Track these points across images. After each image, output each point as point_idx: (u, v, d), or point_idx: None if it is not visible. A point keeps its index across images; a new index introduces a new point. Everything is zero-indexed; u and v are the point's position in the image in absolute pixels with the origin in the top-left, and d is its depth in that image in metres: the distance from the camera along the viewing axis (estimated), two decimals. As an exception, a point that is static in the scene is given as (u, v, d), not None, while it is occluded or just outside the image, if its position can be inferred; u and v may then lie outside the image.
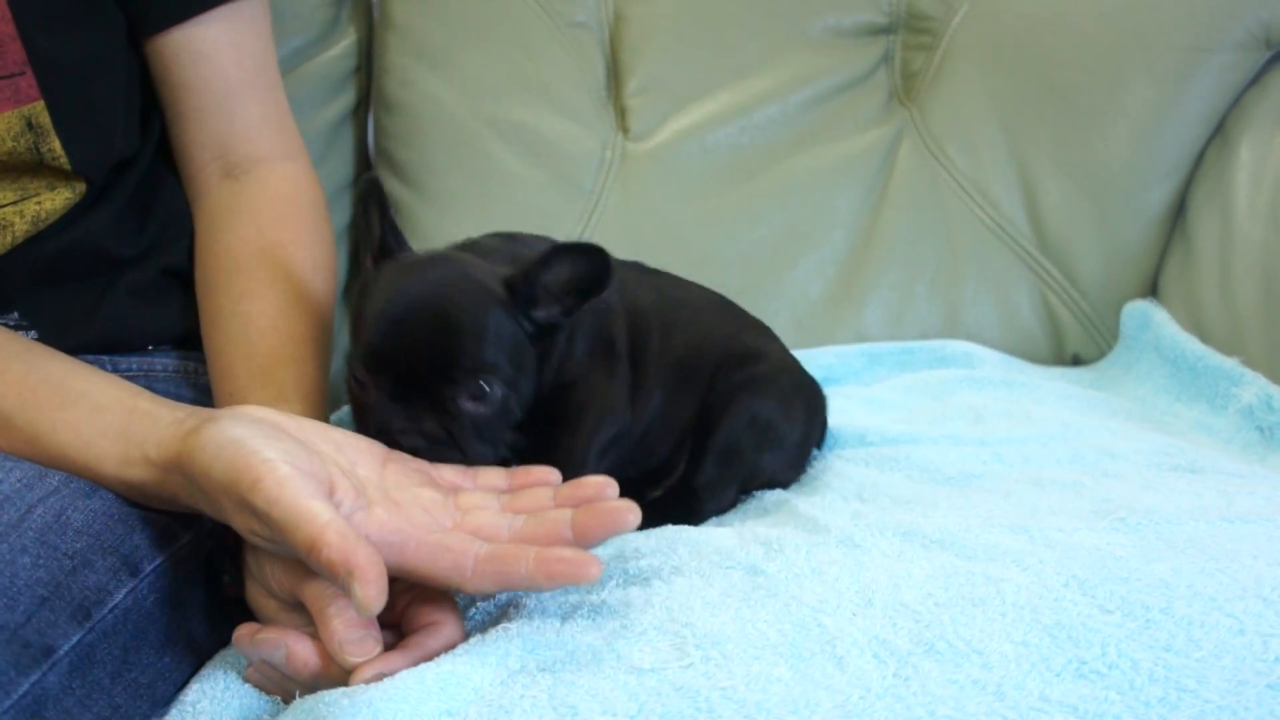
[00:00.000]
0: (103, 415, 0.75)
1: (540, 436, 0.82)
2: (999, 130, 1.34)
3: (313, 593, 0.65)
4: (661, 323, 0.92)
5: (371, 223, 0.81)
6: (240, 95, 0.97)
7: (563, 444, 0.83)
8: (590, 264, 0.76)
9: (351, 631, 0.62)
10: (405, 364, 0.74)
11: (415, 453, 0.74)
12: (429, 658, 0.62)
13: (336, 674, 0.62)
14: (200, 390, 0.97)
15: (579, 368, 0.84)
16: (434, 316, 0.74)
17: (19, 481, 0.72)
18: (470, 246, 0.86)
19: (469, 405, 0.75)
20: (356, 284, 0.78)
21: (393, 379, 0.74)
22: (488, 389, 0.75)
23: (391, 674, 0.59)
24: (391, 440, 0.74)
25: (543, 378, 0.81)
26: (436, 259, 0.79)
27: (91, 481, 0.74)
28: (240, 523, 0.64)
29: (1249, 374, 1.07)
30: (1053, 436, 0.97)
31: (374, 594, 0.57)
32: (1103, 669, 0.52)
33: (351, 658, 0.61)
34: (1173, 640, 0.54)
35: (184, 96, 0.96)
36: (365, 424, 0.76)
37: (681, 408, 0.91)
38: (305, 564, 0.64)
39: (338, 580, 0.58)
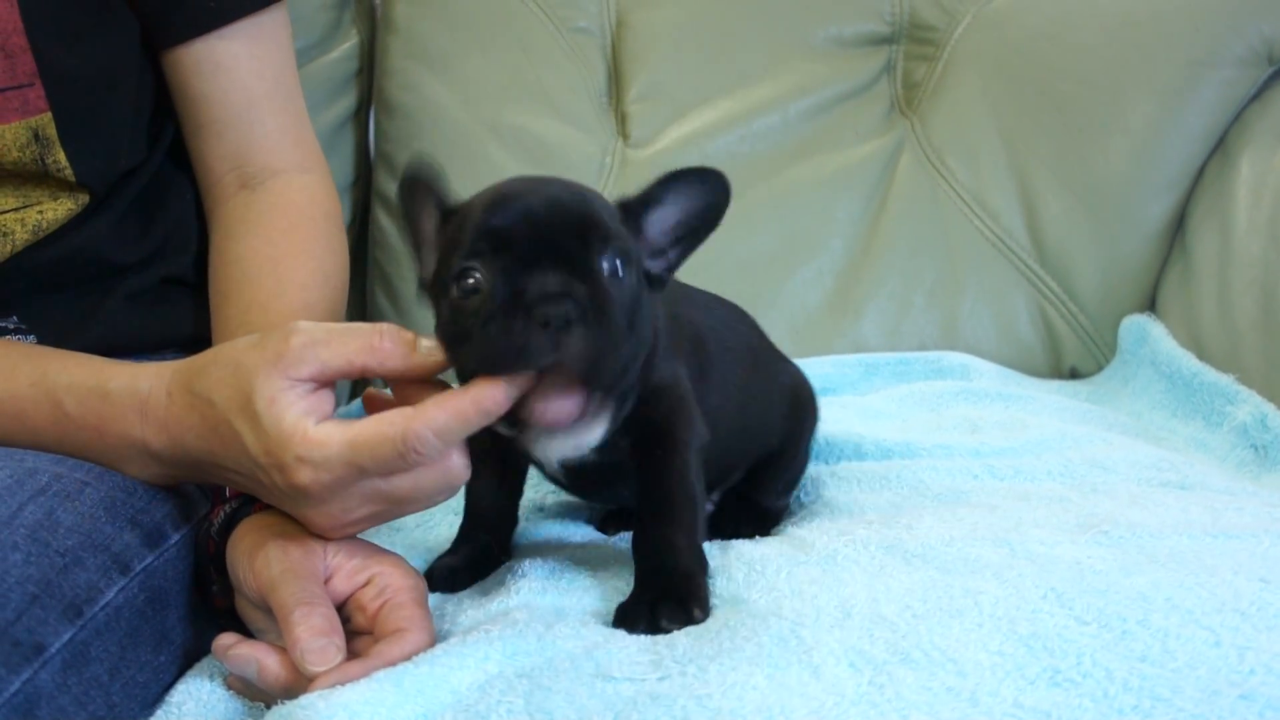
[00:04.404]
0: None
1: (639, 450, 0.73)
2: (1000, 142, 1.34)
3: (279, 599, 0.65)
4: (715, 338, 0.83)
5: None
6: (259, 108, 0.97)
7: (672, 466, 0.72)
8: (708, 191, 0.67)
9: (314, 640, 0.63)
10: (539, 230, 0.62)
11: (563, 327, 0.60)
12: (389, 665, 0.62)
13: (306, 687, 0.62)
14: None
15: (663, 370, 0.73)
16: (564, 189, 0.65)
17: (10, 478, 0.72)
18: None
19: (609, 280, 0.63)
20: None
21: (524, 251, 0.62)
22: (623, 267, 0.64)
23: (349, 683, 0.59)
24: (529, 316, 0.60)
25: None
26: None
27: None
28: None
29: (1244, 391, 1.07)
30: (1046, 449, 0.97)
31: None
32: (1077, 678, 0.52)
33: (312, 666, 0.62)
34: (1148, 651, 0.54)
35: (203, 109, 0.96)
36: (474, 337, 0.62)
37: (743, 430, 0.85)
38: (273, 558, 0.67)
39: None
